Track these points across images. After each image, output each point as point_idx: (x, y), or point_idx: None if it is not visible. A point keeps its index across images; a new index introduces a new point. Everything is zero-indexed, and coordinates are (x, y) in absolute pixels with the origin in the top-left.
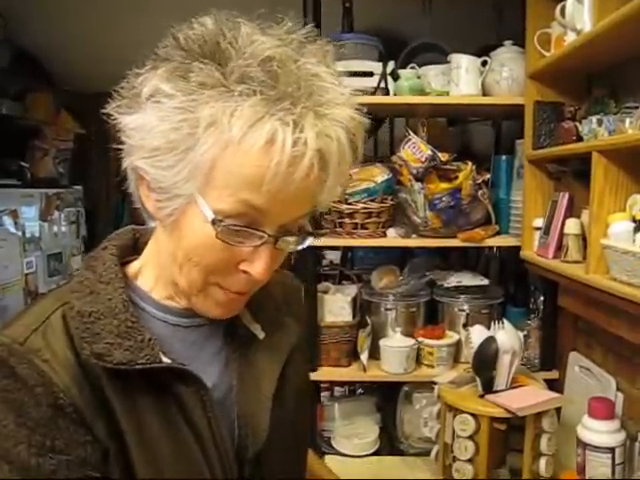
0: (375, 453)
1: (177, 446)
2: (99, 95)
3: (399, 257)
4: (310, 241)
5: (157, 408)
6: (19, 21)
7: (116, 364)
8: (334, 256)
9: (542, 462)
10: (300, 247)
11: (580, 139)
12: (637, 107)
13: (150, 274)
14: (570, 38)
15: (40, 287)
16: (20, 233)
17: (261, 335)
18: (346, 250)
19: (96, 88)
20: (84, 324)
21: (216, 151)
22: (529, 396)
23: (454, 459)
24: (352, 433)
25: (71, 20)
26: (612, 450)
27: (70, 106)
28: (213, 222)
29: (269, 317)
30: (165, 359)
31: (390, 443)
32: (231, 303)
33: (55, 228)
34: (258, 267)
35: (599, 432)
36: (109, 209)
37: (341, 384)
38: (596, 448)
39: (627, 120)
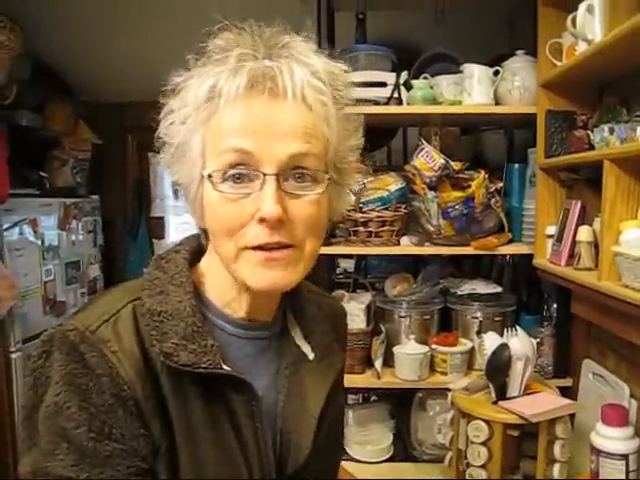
0: (389, 459)
1: (222, 452)
2: (116, 106)
3: (412, 265)
4: (321, 188)
5: (208, 412)
6: (39, 35)
7: (181, 365)
8: (348, 264)
9: (556, 469)
10: (312, 193)
11: (592, 147)
12: None
13: (211, 280)
14: (581, 48)
15: (58, 295)
16: (39, 242)
17: (311, 356)
18: (360, 258)
19: (113, 99)
20: (154, 322)
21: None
22: (542, 403)
23: (467, 465)
24: (366, 439)
25: (89, 33)
26: (626, 457)
27: (87, 117)
28: (209, 176)
29: (320, 340)
30: (225, 366)
31: (404, 449)
32: (267, 266)
33: (73, 237)
34: (265, 205)
35: (613, 439)
36: (125, 218)
37: (355, 391)
38: (610, 455)
39: (638, 129)
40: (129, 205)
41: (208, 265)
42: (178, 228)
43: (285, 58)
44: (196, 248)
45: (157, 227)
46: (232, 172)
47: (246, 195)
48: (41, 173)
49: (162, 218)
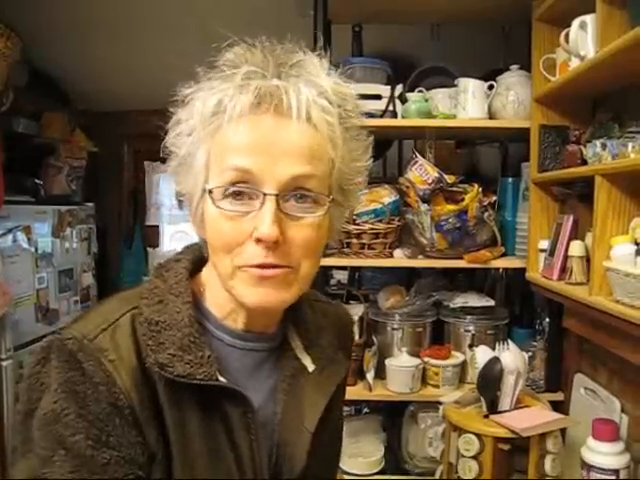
0: (380, 472)
1: (217, 463)
2: (112, 114)
3: (405, 277)
4: (322, 210)
5: (203, 423)
6: (36, 43)
7: (176, 376)
8: (342, 276)
9: None
10: (312, 216)
11: (585, 162)
12: None
13: (211, 291)
14: (574, 64)
15: (51, 303)
16: (33, 249)
17: (311, 368)
18: (354, 270)
19: (109, 108)
20: (151, 332)
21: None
22: (533, 417)
23: (458, 479)
24: (357, 452)
25: (86, 42)
26: (616, 472)
27: (84, 125)
28: (210, 192)
29: (321, 351)
30: (221, 378)
31: (395, 462)
32: (260, 285)
33: (67, 244)
34: (262, 226)
35: (604, 454)
36: (120, 226)
37: (347, 403)
38: (601, 470)
39: (630, 145)
40: (124, 213)
41: (209, 275)
42: (173, 237)
43: (294, 77)
44: (198, 258)
45: (152, 235)
46: (233, 190)
47: (245, 213)
48: (36, 180)
49: (157, 227)
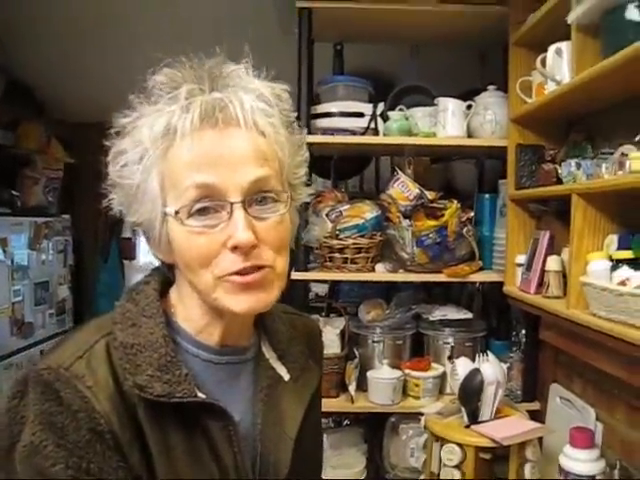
0: None
1: (202, 477)
2: (89, 125)
3: (384, 291)
4: (284, 206)
5: (186, 439)
6: (12, 52)
7: (156, 396)
8: (319, 289)
9: None
10: (277, 214)
11: (560, 181)
12: (612, 153)
13: (182, 309)
14: (550, 87)
15: (27, 316)
16: (9, 261)
17: (286, 377)
18: (333, 283)
19: (86, 118)
20: (127, 355)
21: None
22: (513, 426)
23: None
24: (339, 463)
25: (62, 52)
26: (592, 478)
27: (60, 136)
28: (176, 213)
29: (294, 360)
30: (200, 394)
31: (377, 473)
32: (246, 291)
33: (43, 256)
34: (237, 233)
35: (580, 461)
36: (96, 239)
37: (329, 415)
38: (578, 476)
39: (603, 165)
40: (100, 225)
41: (178, 294)
42: (149, 250)
43: (232, 87)
44: (166, 278)
45: (128, 248)
46: (198, 206)
47: (214, 226)
48: (13, 192)
49: (133, 239)
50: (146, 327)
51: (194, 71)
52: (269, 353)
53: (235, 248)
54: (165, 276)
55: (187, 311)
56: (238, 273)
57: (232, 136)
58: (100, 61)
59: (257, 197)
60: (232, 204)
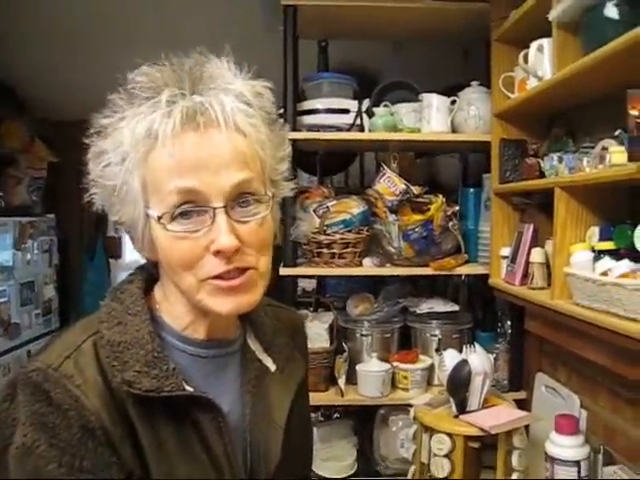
0: (353, 475)
1: (194, 469)
2: (72, 123)
3: (371, 285)
4: (266, 207)
5: (176, 433)
6: None
7: (145, 391)
8: (306, 284)
9: (514, 478)
10: (259, 216)
11: (542, 174)
12: (593, 147)
13: (167, 305)
14: (532, 83)
15: (13, 316)
16: None
17: (273, 368)
18: (321, 278)
19: (69, 117)
20: (114, 353)
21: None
22: (500, 415)
23: (431, 477)
24: (330, 456)
25: (45, 51)
26: (578, 463)
27: (43, 134)
28: (159, 218)
29: (280, 351)
30: (188, 387)
31: (367, 465)
32: (230, 294)
33: (28, 256)
34: (221, 237)
35: (565, 447)
36: (82, 238)
37: (318, 408)
38: (563, 462)
39: (585, 159)
40: (85, 224)
41: (163, 292)
42: (134, 247)
43: (212, 90)
44: (150, 276)
45: (114, 246)
46: (180, 211)
47: (196, 231)
48: None
49: (119, 238)
50: (132, 325)
51: (174, 72)
52: (255, 345)
53: (218, 252)
54: (149, 274)
55: (172, 308)
56: (221, 277)
57: (213, 139)
58: (82, 59)
59: (239, 200)
60: (215, 209)
